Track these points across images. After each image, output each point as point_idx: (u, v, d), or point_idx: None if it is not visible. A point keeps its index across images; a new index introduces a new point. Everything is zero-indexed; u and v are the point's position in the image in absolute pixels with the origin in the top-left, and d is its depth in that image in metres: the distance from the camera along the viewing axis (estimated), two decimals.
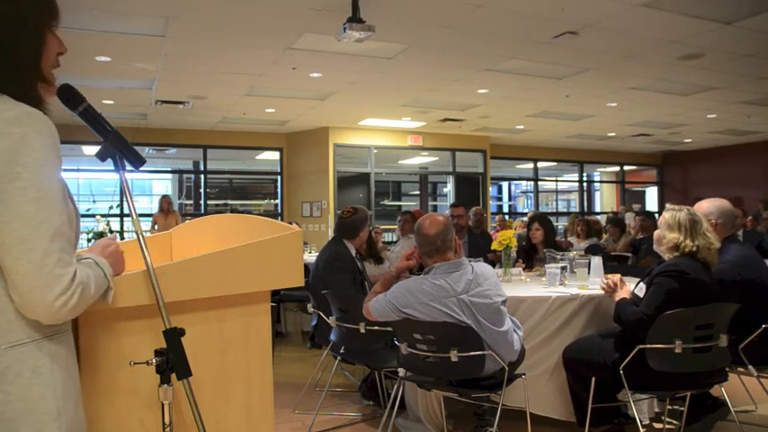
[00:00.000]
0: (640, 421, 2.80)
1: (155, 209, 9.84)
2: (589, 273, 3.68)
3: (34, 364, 1.10)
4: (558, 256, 3.88)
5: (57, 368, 1.13)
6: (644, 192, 17.05)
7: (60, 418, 1.13)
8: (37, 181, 1.07)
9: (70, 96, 1.34)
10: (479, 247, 5.19)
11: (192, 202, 12.84)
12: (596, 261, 3.67)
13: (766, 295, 3.02)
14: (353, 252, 3.99)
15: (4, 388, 1.07)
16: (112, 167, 1.37)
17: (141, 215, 7.88)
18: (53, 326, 1.14)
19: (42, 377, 1.10)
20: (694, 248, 2.73)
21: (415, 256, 2.88)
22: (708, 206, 3.12)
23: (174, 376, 1.32)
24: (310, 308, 3.85)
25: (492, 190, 15.16)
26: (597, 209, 16.53)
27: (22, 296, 1.07)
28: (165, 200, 9.22)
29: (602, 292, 3.07)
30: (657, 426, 3.29)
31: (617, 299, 2.87)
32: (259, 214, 11.51)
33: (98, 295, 1.21)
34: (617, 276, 3.05)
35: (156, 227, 8.78)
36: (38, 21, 1.19)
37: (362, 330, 3.14)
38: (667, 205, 2.95)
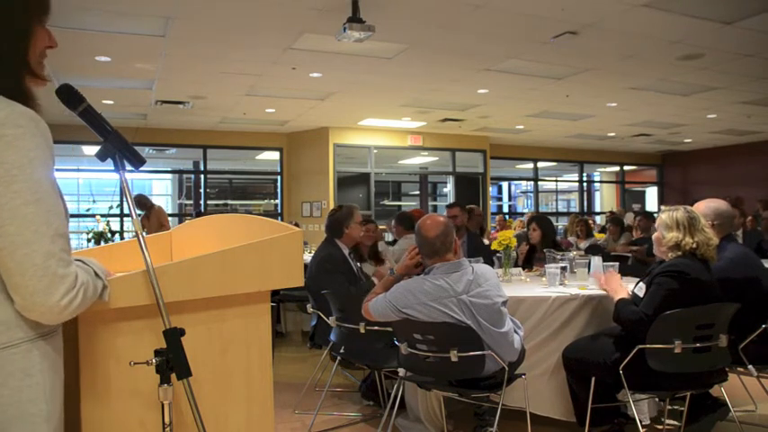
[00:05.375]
0: (640, 421, 2.80)
1: None
2: (589, 273, 3.68)
3: (25, 366, 1.09)
4: (558, 256, 3.88)
5: (47, 369, 1.13)
6: (644, 192, 17.06)
7: (51, 420, 1.12)
8: (33, 183, 1.07)
9: (70, 96, 1.33)
10: (478, 247, 5.19)
11: (192, 202, 12.83)
12: (596, 261, 3.67)
13: (764, 293, 3.04)
14: (347, 252, 3.98)
15: None
16: (112, 167, 1.37)
17: (140, 214, 7.81)
18: (45, 327, 1.13)
19: (33, 379, 1.10)
20: (695, 245, 2.73)
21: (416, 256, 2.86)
22: (704, 208, 3.13)
23: (174, 376, 1.32)
24: (310, 308, 3.85)
25: (492, 190, 15.16)
26: (597, 209, 16.53)
27: (26, 299, 1.06)
28: (135, 199, 7.41)
29: (603, 291, 3.08)
30: (657, 426, 3.30)
31: (617, 298, 2.87)
32: (259, 214, 11.51)
33: (96, 295, 1.22)
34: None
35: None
36: (25, 13, 1.17)
37: (362, 330, 3.14)
38: (662, 207, 2.97)
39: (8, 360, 1.07)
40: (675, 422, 3.17)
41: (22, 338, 1.09)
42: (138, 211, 7.60)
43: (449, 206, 5.62)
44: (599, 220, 14.50)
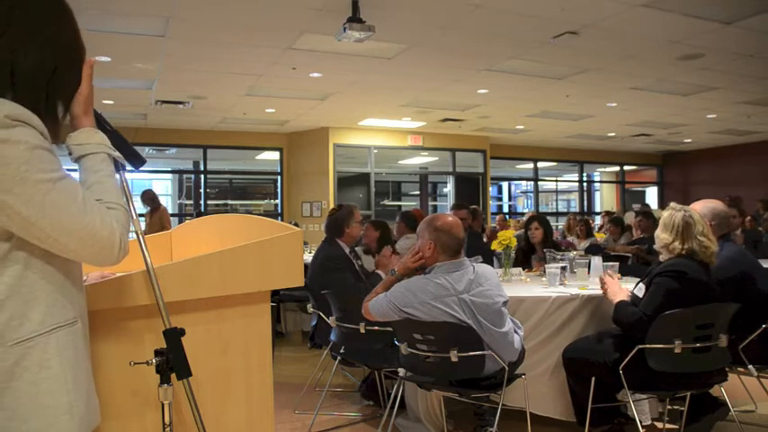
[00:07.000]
0: (640, 421, 2.80)
1: None
2: (589, 273, 3.68)
3: (41, 359, 1.09)
4: (558, 256, 3.88)
5: (65, 361, 1.12)
6: (644, 192, 17.05)
7: (72, 411, 1.12)
8: (45, 172, 1.06)
9: None
10: (478, 247, 5.19)
11: (192, 202, 12.83)
12: (596, 261, 3.67)
13: (762, 292, 3.04)
14: (347, 250, 3.99)
15: (13, 385, 1.05)
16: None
17: (141, 215, 7.82)
18: (59, 319, 1.13)
19: (50, 371, 1.09)
20: (683, 252, 2.72)
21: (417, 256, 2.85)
22: (701, 208, 3.12)
23: (174, 376, 1.32)
24: (310, 308, 3.85)
25: (492, 190, 15.16)
26: (597, 209, 16.52)
27: (92, 264, 1.17)
28: (143, 195, 7.85)
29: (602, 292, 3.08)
30: (658, 425, 3.30)
31: (616, 301, 2.86)
32: (259, 214, 11.51)
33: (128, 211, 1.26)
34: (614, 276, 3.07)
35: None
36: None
37: (362, 330, 3.14)
38: (671, 204, 2.94)
39: (22, 355, 1.07)
40: (675, 424, 3.17)
41: (37, 332, 1.09)
42: (142, 209, 7.66)
43: (456, 209, 5.53)
44: (598, 220, 14.51)
